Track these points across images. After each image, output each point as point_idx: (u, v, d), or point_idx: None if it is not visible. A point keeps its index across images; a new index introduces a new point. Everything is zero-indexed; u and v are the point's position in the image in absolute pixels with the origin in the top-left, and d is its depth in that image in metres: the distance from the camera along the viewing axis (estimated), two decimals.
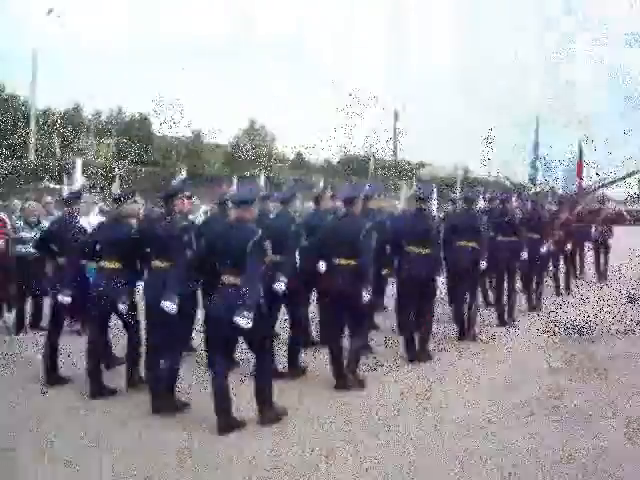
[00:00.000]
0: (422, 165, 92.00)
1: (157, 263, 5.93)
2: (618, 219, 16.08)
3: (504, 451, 4.93)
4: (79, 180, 17.51)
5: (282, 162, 52.65)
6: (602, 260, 15.04)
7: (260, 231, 5.40)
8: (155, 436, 5.30)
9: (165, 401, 5.77)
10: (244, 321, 5.06)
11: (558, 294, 12.42)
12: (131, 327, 6.47)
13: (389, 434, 5.29)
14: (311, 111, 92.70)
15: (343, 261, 6.50)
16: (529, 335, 9.14)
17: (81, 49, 65.17)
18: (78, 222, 7.16)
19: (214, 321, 5.42)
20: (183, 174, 19.25)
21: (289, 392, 6.14)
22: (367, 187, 8.47)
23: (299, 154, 62.05)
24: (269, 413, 5.49)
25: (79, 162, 18.26)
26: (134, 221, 6.68)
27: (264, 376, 5.54)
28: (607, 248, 15.09)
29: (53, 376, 6.64)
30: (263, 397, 5.49)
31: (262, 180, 24.82)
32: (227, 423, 5.28)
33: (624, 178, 21.65)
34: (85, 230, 7.06)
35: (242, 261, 5.24)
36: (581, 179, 17.68)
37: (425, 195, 8.03)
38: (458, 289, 9.04)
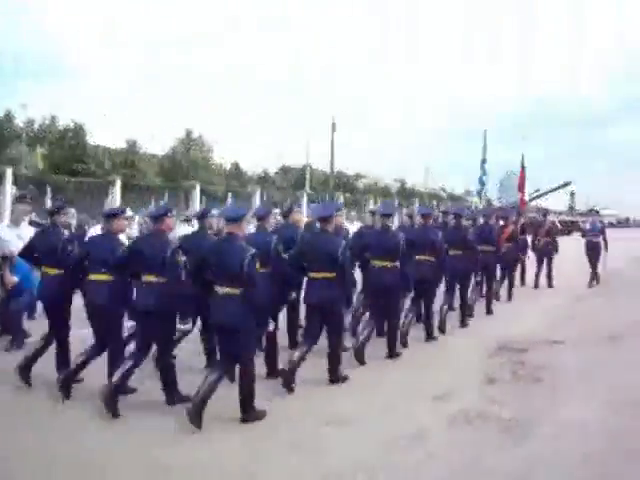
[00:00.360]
0: (359, 176, 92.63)
1: (148, 277, 6.20)
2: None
3: (441, 462, 4.99)
4: (10, 190, 17.02)
5: (219, 173, 52.11)
6: (546, 270, 15.90)
7: (253, 249, 5.87)
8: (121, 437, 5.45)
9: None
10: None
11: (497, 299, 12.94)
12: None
13: (330, 448, 5.29)
14: (248, 120, 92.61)
15: (321, 274, 6.93)
16: (468, 345, 9.30)
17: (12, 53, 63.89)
18: (63, 233, 7.19)
19: (216, 327, 6.06)
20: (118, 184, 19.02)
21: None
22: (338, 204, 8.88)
23: (236, 165, 61.76)
24: (250, 414, 5.85)
25: (9, 171, 17.75)
26: (122, 236, 6.99)
27: (247, 380, 5.88)
28: (550, 259, 15.97)
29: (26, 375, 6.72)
30: (245, 399, 5.85)
31: (198, 191, 24.55)
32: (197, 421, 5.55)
33: (557, 189, 22.56)
34: (72, 241, 7.13)
35: (237, 274, 5.71)
36: (523, 192, 18.49)
37: (390, 212, 8.71)
38: (414, 300, 9.43)
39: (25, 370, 6.70)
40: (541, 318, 11.32)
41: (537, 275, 15.90)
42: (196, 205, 23.23)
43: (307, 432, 5.61)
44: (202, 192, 25.21)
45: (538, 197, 21.68)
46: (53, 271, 6.95)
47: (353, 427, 5.75)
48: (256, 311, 5.83)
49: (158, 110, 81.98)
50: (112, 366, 6.26)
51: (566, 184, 23.65)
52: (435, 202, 54.84)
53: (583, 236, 16.98)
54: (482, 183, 18.95)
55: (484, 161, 18.81)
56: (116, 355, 6.39)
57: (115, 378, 5.92)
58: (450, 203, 58.19)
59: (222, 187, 33.32)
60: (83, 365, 6.47)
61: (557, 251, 16.09)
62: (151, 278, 6.19)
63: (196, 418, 5.50)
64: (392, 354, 8.26)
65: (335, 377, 7.11)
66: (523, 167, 18.80)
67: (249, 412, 5.84)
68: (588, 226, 16.93)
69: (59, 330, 6.95)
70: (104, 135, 44.06)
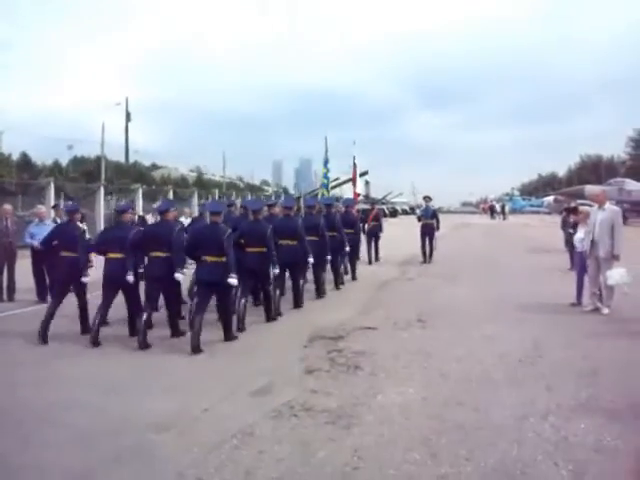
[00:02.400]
0: (155, 167, 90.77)
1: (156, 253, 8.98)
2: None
3: (272, 459, 4.84)
4: None
5: (7, 164, 48.64)
6: (374, 247, 19.48)
7: (230, 229, 8.96)
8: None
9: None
10: (234, 281, 8.58)
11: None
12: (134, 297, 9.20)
13: (157, 457, 4.94)
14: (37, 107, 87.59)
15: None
16: (281, 335, 9.35)
17: None
18: (78, 226, 9.81)
19: (201, 282, 8.91)
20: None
21: None
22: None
23: (24, 154, 58.17)
24: (230, 336, 8.88)
25: None
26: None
27: (227, 313, 8.96)
28: (377, 238, 19.64)
29: (45, 336, 8.76)
30: (227, 325, 8.90)
31: None
32: (197, 346, 8.19)
33: (355, 179, 24.18)
34: (85, 231, 10.09)
35: (216, 247, 8.56)
36: (355, 187, 22.23)
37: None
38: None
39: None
40: (352, 305, 11.60)
41: (369, 252, 19.09)
42: None
43: (129, 443, 5.21)
44: None
45: (337, 186, 23.07)
46: (71, 254, 9.27)
47: (175, 432, 5.45)
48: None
49: None
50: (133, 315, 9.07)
51: (363, 173, 24.92)
52: (234, 192, 55.04)
53: (419, 220, 20.09)
54: (327, 178, 21.52)
55: (327, 161, 21.20)
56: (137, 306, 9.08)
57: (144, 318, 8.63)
58: (250, 194, 58.65)
59: (12, 179, 30.97)
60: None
61: (382, 231, 19.95)
62: (159, 254, 8.95)
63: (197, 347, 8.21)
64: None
65: (230, 336, 8.93)
66: (355, 165, 22.30)
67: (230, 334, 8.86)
68: (420, 212, 20.30)
69: (80, 296, 9.40)
70: None
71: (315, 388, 6.58)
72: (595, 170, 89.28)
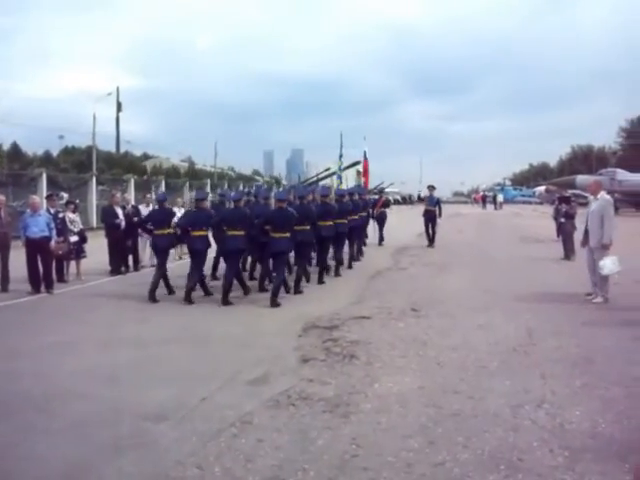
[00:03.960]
0: (147, 157, 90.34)
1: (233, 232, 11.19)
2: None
3: (272, 447, 4.86)
4: None
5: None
6: (378, 232, 22.02)
7: (249, 210, 11.64)
8: None
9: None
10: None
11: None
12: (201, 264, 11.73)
13: (155, 445, 4.96)
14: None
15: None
16: (275, 324, 9.37)
17: None
18: (171, 209, 13.02)
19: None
20: None
21: None
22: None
23: (15, 145, 57.88)
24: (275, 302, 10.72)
25: None
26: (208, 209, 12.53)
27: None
28: (383, 224, 22.31)
29: (153, 296, 11.25)
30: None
31: None
32: (226, 301, 10.82)
33: (348, 168, 24.46)
34: (174, 214, 12.75)
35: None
36: (367, 178, 23.35)
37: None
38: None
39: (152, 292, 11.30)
40: (345, 294, 11.69)
41: (379, 236, 21.95)
42: None
43: (127, 432, 5.22)
44: None
45: (328, 176, 23.15)
46: (164, 231, 11.85)
47: (173, 421, 5.45)
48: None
49: None
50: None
51: (355, 163, 24.90)
52: (226, 182, 54.89)
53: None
54: (340, 169, 22.34)
55: (341, 155, 22.15)
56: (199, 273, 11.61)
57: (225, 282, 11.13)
58: (242, 184, 58.45)
59: (2, 170, 30.79)
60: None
61: (387, 217, 22.75)
62: (235, 232, 11.12)
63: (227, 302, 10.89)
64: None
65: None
66: (366, 158, 23.38)
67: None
68: (426, 199, 22.40)
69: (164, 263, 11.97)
70: None
71: (311, 377, 6.61)
72: (586, 160, 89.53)
